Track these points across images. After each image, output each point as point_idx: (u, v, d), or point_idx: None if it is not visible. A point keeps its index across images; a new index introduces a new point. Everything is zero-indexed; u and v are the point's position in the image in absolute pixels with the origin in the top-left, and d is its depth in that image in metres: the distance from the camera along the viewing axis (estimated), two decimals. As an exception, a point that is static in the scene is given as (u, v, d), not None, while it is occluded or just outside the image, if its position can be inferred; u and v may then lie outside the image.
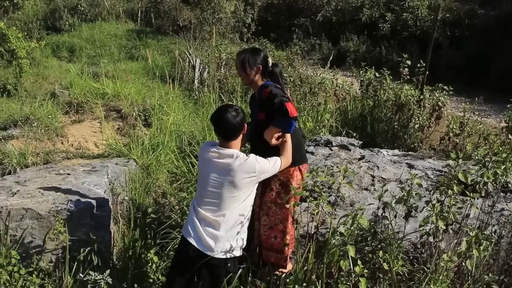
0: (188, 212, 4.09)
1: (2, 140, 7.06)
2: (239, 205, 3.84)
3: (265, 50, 4.55)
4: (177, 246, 4.14)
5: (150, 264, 5.04)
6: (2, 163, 6.61)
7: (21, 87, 9.52)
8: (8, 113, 7.90)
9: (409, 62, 7.53)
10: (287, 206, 4.23)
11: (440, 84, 7.49)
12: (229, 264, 3.87)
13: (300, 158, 4.37)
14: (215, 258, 3.79)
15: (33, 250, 4.65)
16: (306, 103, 7.96)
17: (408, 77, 7.66)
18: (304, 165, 4.44)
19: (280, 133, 3.99)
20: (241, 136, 3.88)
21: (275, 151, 4.09)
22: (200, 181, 3.90)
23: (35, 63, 11.23)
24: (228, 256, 3.84)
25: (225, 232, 3.81)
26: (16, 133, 7.23)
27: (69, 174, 5.76)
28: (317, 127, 7.09)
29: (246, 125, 3.91)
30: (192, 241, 3.79)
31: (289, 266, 4.38)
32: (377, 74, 7.88)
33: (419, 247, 4.31)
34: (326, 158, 6.10)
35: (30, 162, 6.59)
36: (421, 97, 7.50)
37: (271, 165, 3.94)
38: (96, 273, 4.69)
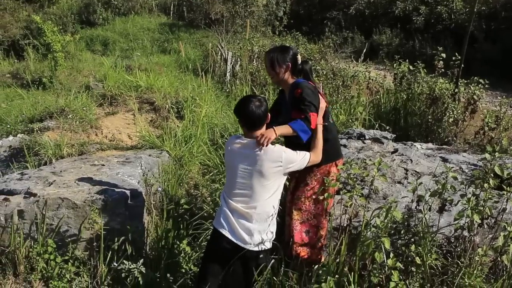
0: (219, 203, 4.11)
1: (38, 132, 7.18)
2: (270, 197, 3.84)
3: (294, 48, 4.52)
4: (209, 237, 4.13)
5: (183, 254, 5.08)
6: (38, 154, 6.73)
7: (56, 80, 9.68)
8: (44, 105, 8.03)
9: (443, 55, 7.42)
10: (321, 198, 4.22)
11: (475, 78, 7.37)
12: (261, 256, 3.89)
13: (335, 153, 4.38)
14: (249, 250, 3.81)
15: (69, 239, 4.73)
16: (339, 96, 7.91)
17: (442, 70, 7.55)
18: (340, 160, 4.43)
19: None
20: (265, 126, 3.87)
21: (308, 148, 4.09)
22: (229, 173, 3.93)
23: (69, 56, 11.39)
24: (261, 249, 3.86)
25: (258, 224, 3.82)
26: (52, 124, 7.35)
27: (103, 165, 5.83)
28: (350, 120, 7.04)
29: (269, 115, 3.91)
30: (226, 233, 3.80)
31: (321, 259, 4.37)
32: (411, 67, 7.79)
33: (453, 241, 4.25)
34: (358, 151, 6.05)
35: (66, 153, 6.70)
36: (456, 90, 7.38)
37: (299, 158, 3.94)
38: (130, 263, 4.75)
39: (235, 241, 3.80)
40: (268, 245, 3.91)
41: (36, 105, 8.18)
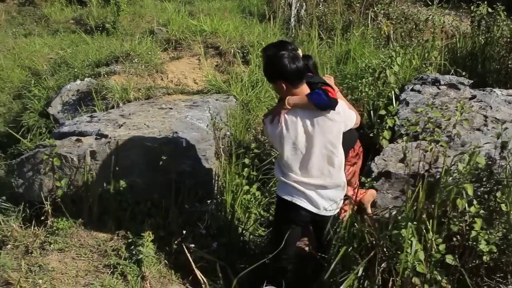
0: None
1: (105, 76, 7.19)
2: (337, 159, 3.70)
3: (293, 43, 4.20)
4: (279, 207, 3.95)
5: (252, 199, 5.04)
6: (105, 98, 6.75)
7: (119, 26, 9.64)
8: (109, 49, 8.02)
9: (526, -4, 6.99)
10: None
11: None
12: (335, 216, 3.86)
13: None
14: (325, 216, 3.75)
15: (140, 180, 4.72)
16: (412, 40, 7.60)
17: (525, 12, 7.14)
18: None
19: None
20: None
21: None
22: (288, 142, 3.66)
23: (131, 2, 11.30)
24: (336, 213, 3.82)
25: (333, 189, 3.74)
26: (118, 69, 7.34)
27: (171, 108, 5.79)
28: (424, 65, 6.76)
29: None
30: (303, 203, 3.69)
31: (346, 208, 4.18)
32: (489, 10, 7.38)
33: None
34: (433, 97, 5.82)
35: (132, 97, 6.70)
36: (538, 34, 6.97)
37: (351, 110, 3.81)
38: (200, 205, 4.74)
39: (311, 209, 3.71)
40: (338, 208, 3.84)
41: (101, 50, 8.18)
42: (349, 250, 3.84)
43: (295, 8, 9.41)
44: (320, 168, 3.65)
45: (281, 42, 4.02)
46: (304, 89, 3.62)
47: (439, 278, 3.57)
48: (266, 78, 3.77)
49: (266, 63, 3.71)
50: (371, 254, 3.62)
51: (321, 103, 3.52)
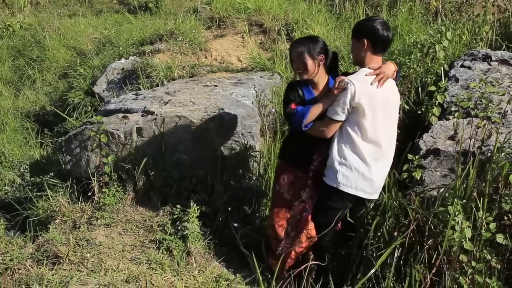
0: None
1: (150, 54, 7.19)
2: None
3: (323, 38, 4.08)
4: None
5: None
6: (150, 76, 6.76)
7: (162, 4, 9.63)
8: (153, 28, 8.01)
9: None
10: None
11: None
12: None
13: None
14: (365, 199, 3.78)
15: (186, 157, 4.71)
16: (462, 14, 7.36)
17: None
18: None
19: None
20: None
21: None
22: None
23: (173, -19, 11.32)
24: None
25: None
26: (162, 47, 7.33)
27: (216, 86, 5.76)
28: (474, 41, 6.54)
29: None
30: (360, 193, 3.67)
31: None
32: (545, -18, 7.09)
33: None
34: (484, 73, 5.62)
35: (177, 75, 6.68)
36: None
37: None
38: (245, 181, 4.72)
39: (362, 195, 3.68)
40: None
41: (145, 29, 8.18)
42: (385, 225, 3.83)
43: (340, -16, 9.22)
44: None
45: (314, 36, 4.09)
46: (379, 61, 3.63)
47: (488, 257, 3.50)
48: (352, 33, 3.72)
49: (360, 21, 3.83)
50: (410, 229, 3.59)
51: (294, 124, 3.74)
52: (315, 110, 3.65)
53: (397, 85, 3.82)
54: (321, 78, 3.79)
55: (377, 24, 3.56)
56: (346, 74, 3.83)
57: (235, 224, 4.40)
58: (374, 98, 3.51)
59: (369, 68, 3.58)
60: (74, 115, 6.88)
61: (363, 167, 3.59)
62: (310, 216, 3.87)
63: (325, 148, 3.75)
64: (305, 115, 3.66)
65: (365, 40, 3.55)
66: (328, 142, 3.71)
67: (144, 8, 9.76)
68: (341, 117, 3.55)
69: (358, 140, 3.56)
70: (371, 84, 3.52)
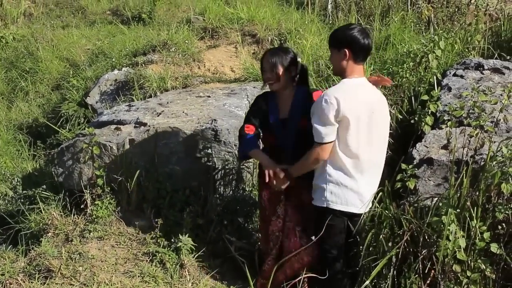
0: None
1: (143, 65, 7.19)
2: None
3: (294, 49, 4.13)
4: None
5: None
6: (143, 87, 6.76)
7: (155, 15, 9.64)
8: (146, 39, 8.02)
9: None
10: None
11: None
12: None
13: None
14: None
15: (179, 168, 4.69)
16: (454, 23, 7.39)
17: None
18: None
19: None
20: None
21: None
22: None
23: (167, -8, 11.34)
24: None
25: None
26: (155, 58, 7.34)
27: (209, 96, 5.74)
28: (467, 49, 6.56)
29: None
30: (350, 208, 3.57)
31: None
32: (536, -9, 7.14)
33: None
34: (477, 82, 5.64)
35: (170, 86, 6.69)
36: None
37: None
38: (239, 193, 4.70)
39: (354, 210, 3.58)
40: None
41: (138, 40, 8.18)
42: (381, 236, 3.77)
43: (333, -6, 9.25)
44: None
45: (286, 47, 4.12)
46: (360, 70, 3.53)
47: (483, 266, 3.49)
48: (330, 43, 3.57)
49: (337, 30, 3.61)
50: (404, 239, 3.54)
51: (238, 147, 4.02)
52: (256, 155, 3.92)
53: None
54: (289, 90, 3.83)
55: (356, 33, 3.42)
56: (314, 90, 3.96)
57: (230, 238, 4.38)
58: (359, 109, 3.40)
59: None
60: (67, 127, 6.85)
61: (349, 181, 3.47)
62: (298, 243, 3.76)
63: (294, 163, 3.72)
64: (248, 150, 3.87)
65: (346, 50, 3.42)
66: (296, 156, 3.66)
67: (138, 19, 9.77)
68: (332, 136, 3.41)
69: (340, 154, 3.44)
70: (356, 94, 3.43)
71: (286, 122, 3.81)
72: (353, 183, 3.48)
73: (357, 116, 3.38)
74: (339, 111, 3.32)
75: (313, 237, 3.66)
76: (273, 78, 3.76)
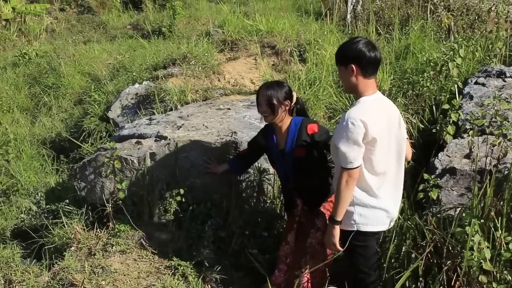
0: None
1: (163, 78, 7.23)
2: None
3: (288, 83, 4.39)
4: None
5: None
6: (163, 100, 6.78)
7: (175, 29, 9.71)
8: (166, 52, 8.07)
9: None
10: None
11: None
12: None
13: None
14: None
15: (200, 181, 4.69)
16: (474, 31, 7.33)
17: None
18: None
19: None
20: None
21: (323, 182, 3.99)
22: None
23: (186, 5, 11.42)
24: None
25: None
26: (175, 71, 7.37)
27: (229, 109, 5.76)
28: (488, 57, 6.50)
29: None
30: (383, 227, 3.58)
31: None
32: (558, -3, 7.05)
33: None
34: (499, 90, 5.58)
35: (190, 98, 6.70)
36: None
37: None
38: (261, 205, 4.69)
39: (383, 228, 3.59)
40: None
41: (159, 53, 8.24)
42: (404, 248, 3.79)
43: (351, 4, 9.26)
44: None
45: (280, 82, 4.26)
46: (373, 85, 3.42)
47: (509, 277, 3.45)
48: (336, 60, 3.46)
49: (342, 45, 3.52)
50: (427, 250, 3.51)
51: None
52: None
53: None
54: (285, 123, 3.98)
55: (361, 46, 3.29)
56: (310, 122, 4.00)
57: (253, 251, 4.37)
58: (383, 127, 3.32)
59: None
60: (90, 141, 6.91)
61: (376, 201, 3.39)
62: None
63: (306, 193, 3.96)
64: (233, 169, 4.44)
65: (353, 66, 3.29)
66: (297, 179, 3.94)
67: (158, 32, 9.87)
68: (360, 160, 3.29)
69: (366, 174, 3.35)
70: (378, 112, 3.35)
71: (284, 153, 3.97)
72: (380, 202, 3.41)
73: (383, 135, 3.31)
74: (367, 134, 3.22)
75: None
76: (268, 111, 3.93)
